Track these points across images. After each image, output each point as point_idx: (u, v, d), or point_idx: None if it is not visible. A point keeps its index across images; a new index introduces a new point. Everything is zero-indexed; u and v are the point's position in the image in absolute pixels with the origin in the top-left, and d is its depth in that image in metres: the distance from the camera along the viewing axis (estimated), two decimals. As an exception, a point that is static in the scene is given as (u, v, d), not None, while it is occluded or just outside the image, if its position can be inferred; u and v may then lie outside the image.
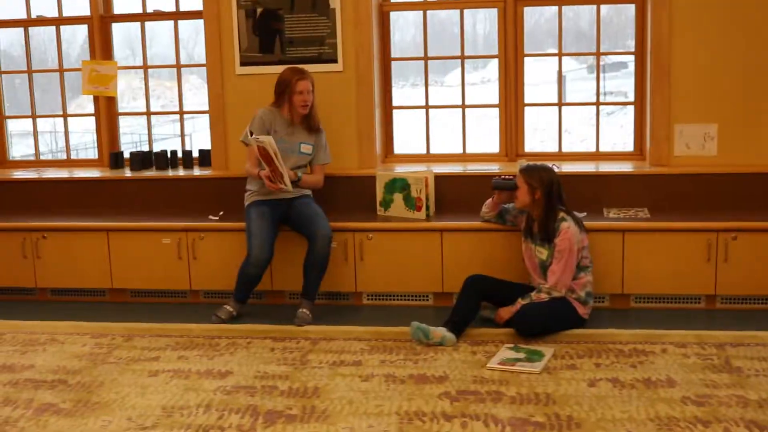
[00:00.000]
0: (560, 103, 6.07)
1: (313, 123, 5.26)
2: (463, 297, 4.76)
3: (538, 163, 4.88)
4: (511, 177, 4.93)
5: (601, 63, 18.66)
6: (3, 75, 6.56)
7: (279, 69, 5.33)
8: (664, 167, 5.57)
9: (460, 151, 6.20)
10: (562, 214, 4.69)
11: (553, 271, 4.65)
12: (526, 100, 6.00)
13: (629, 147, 6.04)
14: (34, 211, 6.01)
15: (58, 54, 6.44)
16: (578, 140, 14.36)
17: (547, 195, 4.69)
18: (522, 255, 4.94)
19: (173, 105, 18.84)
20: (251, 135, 4.96)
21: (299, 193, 5.29)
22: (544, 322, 4.62)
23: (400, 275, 5.33)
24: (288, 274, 5.39)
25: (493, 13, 6.06)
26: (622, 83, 18.48)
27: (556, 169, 4.93)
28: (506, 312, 4.75)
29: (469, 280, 4.84)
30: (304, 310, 5.07)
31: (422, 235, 5.29)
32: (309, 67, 5.62)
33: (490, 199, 5.07)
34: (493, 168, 5.76)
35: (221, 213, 5.72)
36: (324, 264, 5.07)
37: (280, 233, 5.25)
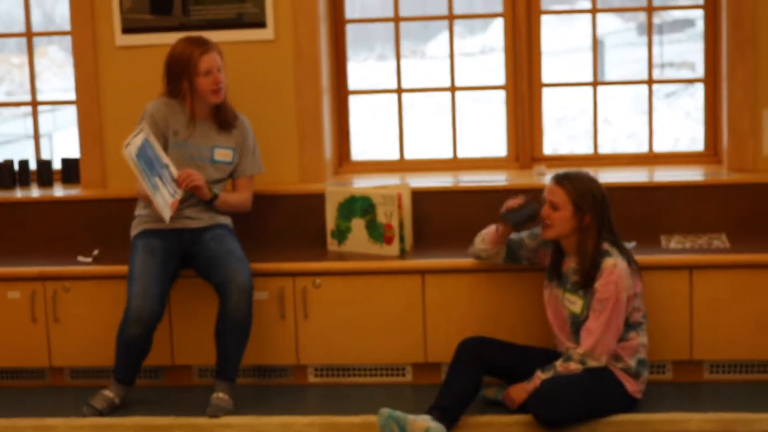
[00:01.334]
0: (595, 82, 6.12)
1: (226, 116, 5.30)
2: (457, 370, 4.76)
3: (576, 170, 4.89)
4: (523, 202, 4.87)
5: (657, 21, 18.47)
6: None
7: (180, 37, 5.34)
8: (749, 174, 5.65)
9: (449, 155, 6.23)
10: (605, 246, 4.73)
11: (589, 330, 4.66)
12: (545, 79, 6.04)
13: (698, 144, 6.13)
14: None
15: None
16: (624, 135, 14.35)
17: (600, 221, 4.73)
18: (543, 306, 4.97)
19: (23, 91, 18.71)
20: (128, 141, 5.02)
21: (212, 221, 5.33)
22: (575, 404, 4.63)
23: (362, 339, 5.33)
24: (196, 341, 5.38)
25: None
26: (687, 50, 18.36)
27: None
28: (520, 391, 4.76)
29: (464, 346, 4.84)
30: (221, 394, 5.07)
31: (395, 279, 5.30)
32: (226, 35, 5.69)
33: (492, 228, 5.04)
34: (498, 179, 5.80)
35: (96, 252, 5.66)
36: (243, 328, 5.11)
37: (179, 279, 5.30)
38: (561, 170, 4.88)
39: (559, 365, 4.68)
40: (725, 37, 5.68)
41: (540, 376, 4.69)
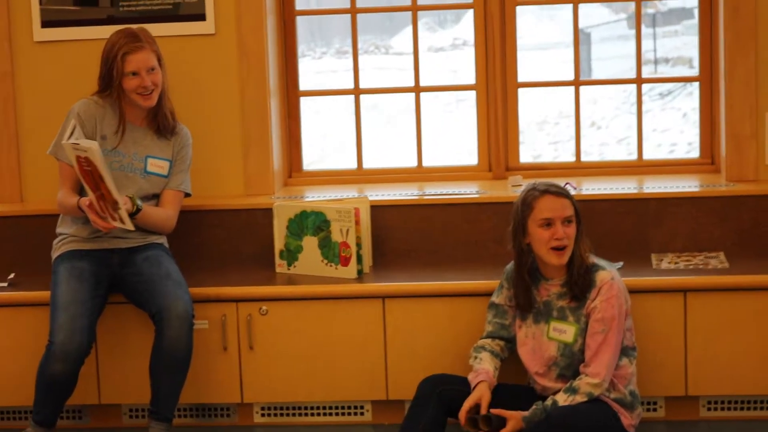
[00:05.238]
0: (577, 81, 6.14)
1: (164, 121, 5.28)
2: (420, 408, 4.74)
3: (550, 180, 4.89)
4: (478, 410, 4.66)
5: (651, 11, 18.42)
6: None
7: (109, 32, 5.31)
8: (750, 184, 5.67)
9: (414, 164, 6.26)
10: (593, 260, 4.73)
11: (597, 355, 4.61)
12: (522, 78, 6.04)
13: (694, 151, 6.11)
14: None
15: None
16: (614, 140, 14.45)
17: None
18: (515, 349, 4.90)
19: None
20: (69, 139, 4.93)
21: (144, 240, 5.32)
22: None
23: (315, 374, 5.33)
24: (125, 377, 5.36)
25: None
26: (684, 44, 18.33)
27: (572, 191, 4.97)
28: (513, 418, 4.60)
29: (427, 383, 4.81)
30: (155, 436, 5.06)
31: (352, 305, 5.31)
32: (160, 29, 5.66)
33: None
34: (469, 191, 5.82)
35: (11, 276, 5.65)
36: (182, 361, 5.08)
37: (108, 306, 5.26)
38: (535, 181, 4.82)
39: (563, 400, 4.60)
40: (722, 29, 5.70)
41: (537, 406, 4.58)
